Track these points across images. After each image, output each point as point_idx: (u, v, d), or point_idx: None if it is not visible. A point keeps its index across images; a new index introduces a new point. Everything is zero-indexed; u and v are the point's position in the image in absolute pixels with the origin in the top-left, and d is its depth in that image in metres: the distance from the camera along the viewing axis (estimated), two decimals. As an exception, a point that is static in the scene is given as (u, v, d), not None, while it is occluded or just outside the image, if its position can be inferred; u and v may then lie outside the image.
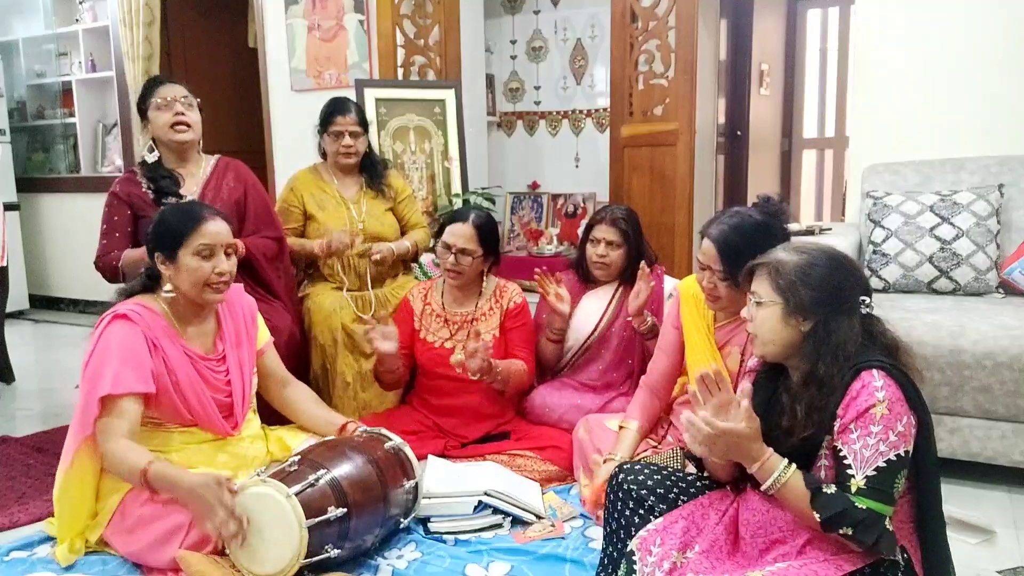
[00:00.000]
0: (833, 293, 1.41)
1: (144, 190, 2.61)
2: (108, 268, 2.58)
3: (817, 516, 1.31)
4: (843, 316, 1.40)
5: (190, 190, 2.65)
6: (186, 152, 2.68)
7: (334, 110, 3.01)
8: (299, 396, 2.34)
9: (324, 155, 3.12)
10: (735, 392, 1.42)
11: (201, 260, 2.00)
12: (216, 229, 2.03)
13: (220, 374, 2.10)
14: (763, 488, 1.39)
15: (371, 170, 3.10)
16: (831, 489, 1.33)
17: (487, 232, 2.62)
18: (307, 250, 2.93)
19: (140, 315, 1.99)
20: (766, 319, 1.45)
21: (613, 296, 2.73)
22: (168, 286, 2.04)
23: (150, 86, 2.66)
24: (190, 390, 2.01)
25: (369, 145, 3.12)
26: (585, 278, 2.79)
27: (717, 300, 2.03)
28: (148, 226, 2.11)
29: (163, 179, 2.61)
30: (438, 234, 2.67)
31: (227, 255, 2.05)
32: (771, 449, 1.40)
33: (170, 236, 2.02)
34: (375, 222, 3.04)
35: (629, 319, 2.59)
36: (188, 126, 2.62)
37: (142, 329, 1.97)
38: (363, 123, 3.04)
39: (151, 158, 2.63)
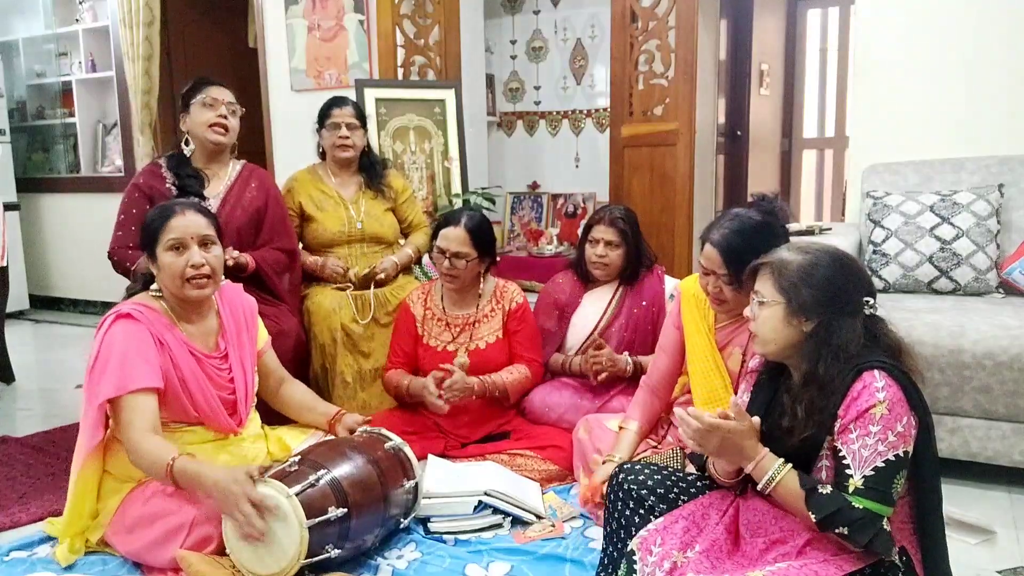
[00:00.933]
0: (835, 294, 1.41)
1: (168, 186, 2.60)
2: (121, 264, 2.57)
3: (812, 516, 1.31)
4: (845, 317, 1.40)
5: (214, 191, 2.65)
6: (217, 154, 2.68)
7: (332, 104, 3.04)
8: (294, 392, 2.35)
9: (323, 155, 3.12)
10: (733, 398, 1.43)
11: (174, 255, 1.99)
12: (185, 222, 2.01)
13: (223, 371, 2.10)
14: (759, 487, 1.39)
15: (370, 170, 3.10)
16: (826, 489, 1.33)
17: (480, 234, 2.61)
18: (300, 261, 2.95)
19: (143, 313, 1.99)
20: (768, 319, 1.45)
21: (613, 296, 2.73)
22: (155, 285, 2.06)
23: (201, 83, 2.67)
24: (196, 387, 2.01)
25: (368, 144, 3.12)
26: (584, 278, 2.79)
27: (723, 304, 2.03)
28: None
29: (189, 177, 2.61)
30: (433, 237, 2.67)
31: (204, 246, 2.03)
32: (766, 449, 1.40)
33: (147, 234, 2.03)
34: (374, 222, 3.04)
35: (634, 312, 2.60)
36: (226, 130, 2.64)
37: (147, 326, 1.97)
38: (360, 117, 3.05)
39: (188, 150, 2.65)
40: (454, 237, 2.58)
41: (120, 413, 1.90)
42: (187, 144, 2.66)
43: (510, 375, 2.60)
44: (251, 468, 1.79)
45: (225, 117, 2.63)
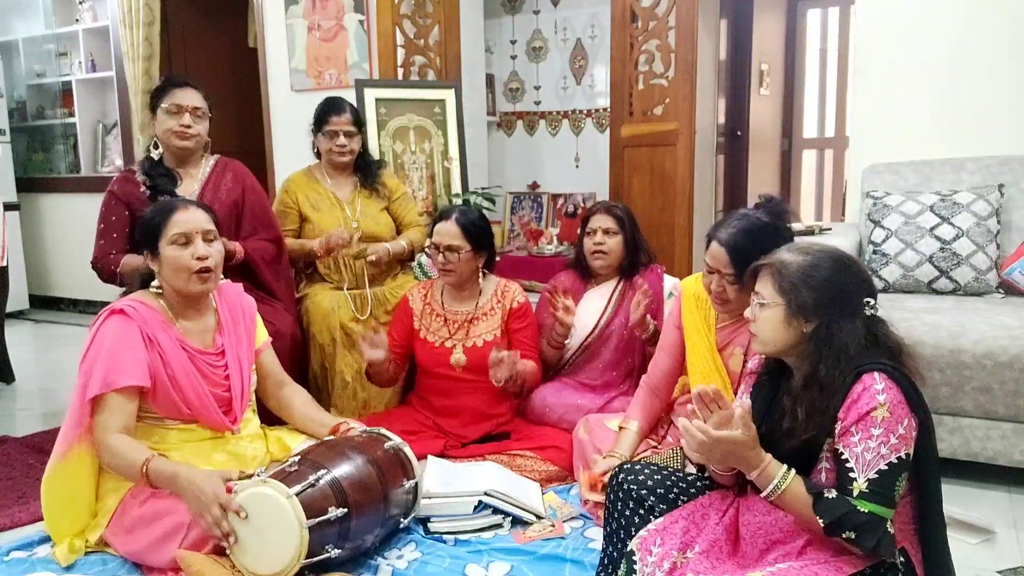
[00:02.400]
0: (836, 295, 1.40)
1: (142, 189, 2.60)
2: (106, 271, 2.57)
3: (820, 521, 1.31)
4: (846, 318, 1.39)
5: (189, 190, 2.64)
6: (187, 156, 2.67)
7: (328, 109, 3.01)
8: (295, 397, 2.34)
9: (319, 155, 3.12)
10: (735, 400, 1.42)
11: (179, 249, 2.01)
12: (188, 217, 2.04)
13: (218, 369, 2.10)
14: (763, 495, 1.38)
15: (365, 170, 3.10)
16: (832, 493, 1.32)
17: (473, 228, 2.60)
18: (307, 250, 2.93)
19: (136, 310, 1.99)
20: (768, 320, 1.44)
21: (613, 293, 2.73)
22: (156, 281, 2.06)
23: (167, 86, 2.63)
24: (187, 383, 2.01)
25: (363, 144, 3.11)
26: (585, 274, 2.78)
27: (725, 303, 2.03)
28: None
29: (161, 177, 2.59)
30: (430, 235, 2.67)
31: (207, 241, 2.05)
32: (770, 456, 1.39)
33: (149, 231, 2.04)
34: (370, 221, 3.04)
35: (631, 317, 2.59)
36: (190, 136, 2.61)
37: (138, 323, 1.97)
38: (357, 122, 3.04)
39: (156, 154, 2.63)
40: (446, 231, 2.58)
41: (98, 413, 1.91)
42: (156, 147, 2.63)
43: (524, 365, 2.55)
44: (228, 472, 1.84)
45: (189, 125, 2.59)
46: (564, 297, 2.61)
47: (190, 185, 2.66)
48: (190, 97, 2.61)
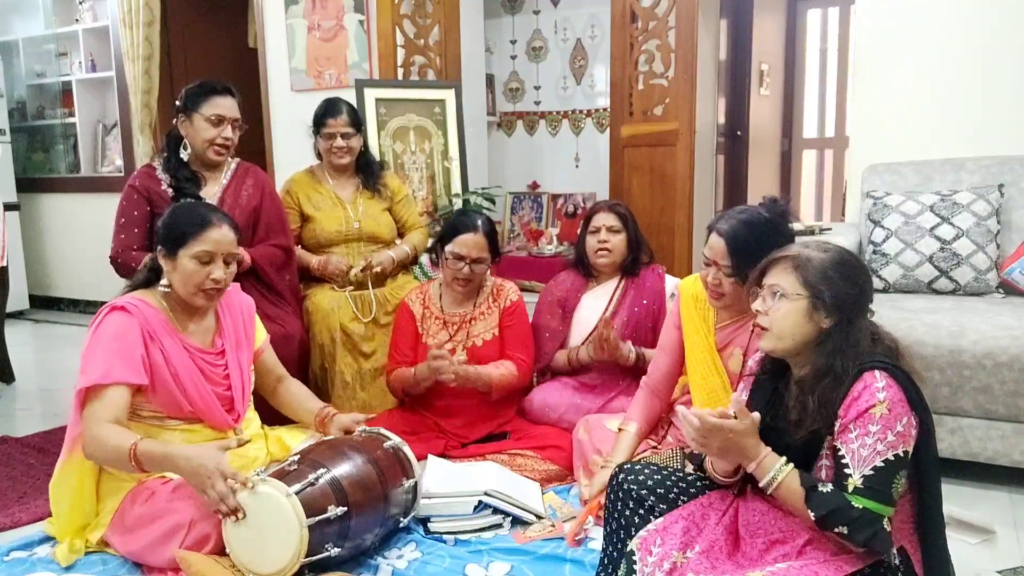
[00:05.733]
0: (858, 292, 1.42)
1: (164, 188, 2.59)
2: (126, 267, 2.55)
3: (811, 514, 1.31)
4: (862, 316, 1.42)
5: (210, 192, 2.64)
6: (216, 163, 2.67)
7: (326, 112, 3.01)
8: (292, 390, 2.35)
9: (320, 156, 3.12)
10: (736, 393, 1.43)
11: (199, 264, 2.00)
12: (220, 237, 2.02)
13: (219, 368, 2.11)
14: (761, 486, 1.39)
15: (366, 170, 3.10)
16: (826, 488, 1.33)
17: (494, 236, 2.64)
18: (303, 263, 2.95)
19: (137, 307, 1.99)
20: (789, 313, 1.44)
21: (614, 291, 2.73)
22: (165, 280, 2.05)
23: (209, 91, 2.59)
24: (189, 381, 2.01)
25: (365, 145, 3.11)
26: (587, 273, 2.78)
27: (720, 298, 2.02)
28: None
29: (186, 180, 2.58)
30: (441, 239, 2.66)
31: (226, 263, 2.05)
32: (768, 448, 1.40)
33: (175, 233, 2.02)
34: (371, 222, 3.04)
35: (635, 310, 2.62)
36: (228, 149, 2.62)
37: (139, 321, 1.97)
38: (355, 123, 3.03)
39: (186, 155, 2.60)
40: (474, 243, 2.57)
41: (90, 403, 1.90)
42: (185, 148, 2.61)
43: (496, 370, 2.59)
44: (225, 442, 1.83)
45: (229, 138, 2.60)
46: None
47: (212, 188, 2.65)
48: (232, 108, 2.60)
